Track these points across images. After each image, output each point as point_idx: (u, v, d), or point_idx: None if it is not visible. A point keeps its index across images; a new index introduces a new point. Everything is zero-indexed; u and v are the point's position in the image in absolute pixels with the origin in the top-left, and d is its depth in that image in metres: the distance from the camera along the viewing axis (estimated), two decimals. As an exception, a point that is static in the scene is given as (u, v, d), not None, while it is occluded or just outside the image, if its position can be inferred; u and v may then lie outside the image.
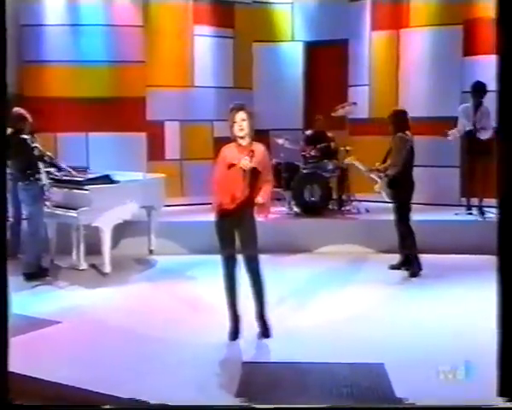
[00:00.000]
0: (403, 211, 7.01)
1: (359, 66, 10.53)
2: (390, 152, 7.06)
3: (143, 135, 9.96)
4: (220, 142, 10.08)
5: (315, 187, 8.99)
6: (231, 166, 4.84)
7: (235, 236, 4.90)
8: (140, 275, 7.38)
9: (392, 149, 6.98)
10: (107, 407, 3.38)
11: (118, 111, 9.65)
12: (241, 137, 4.89)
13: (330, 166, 9.31)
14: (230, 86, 10.47)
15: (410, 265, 7.06)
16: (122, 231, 7.84)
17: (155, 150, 10.02)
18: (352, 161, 7.57)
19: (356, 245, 8.35)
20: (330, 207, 9.23)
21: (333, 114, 9.29)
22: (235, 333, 5.02)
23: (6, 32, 3.15)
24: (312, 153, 9.36)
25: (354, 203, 9.37)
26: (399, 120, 7.03)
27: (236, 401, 3.91)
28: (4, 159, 3.31)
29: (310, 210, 8.96)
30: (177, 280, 7.12)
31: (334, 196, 9.32)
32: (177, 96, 10.07)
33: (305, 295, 6.37)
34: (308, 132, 9.85)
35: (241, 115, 4.89)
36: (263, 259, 5.00)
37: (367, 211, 9.24)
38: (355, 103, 9.48)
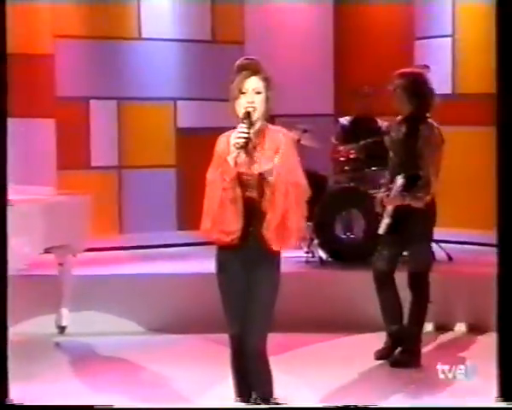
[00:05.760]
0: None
1: (434, 4, 10.84)
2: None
3: (51, 123, 10.11)
4: (188, 136, 10.28)
5: (355, 214, 9.17)
6: (225, 165, 4.98)
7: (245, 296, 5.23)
8: (40, 368, 7.41)
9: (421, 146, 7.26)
10: (105, 406, 4.92)
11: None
12: (249, 120, 4.95)
13: (384, 179, 9.08)
14: (206, 39, 10.85)
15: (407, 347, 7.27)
16: (11, 290, 7.63)
17: (73, 150, 10.12)
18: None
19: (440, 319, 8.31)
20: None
21: (389, 88, 9.16)
22: None
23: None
24: (352, 155, 9.46)
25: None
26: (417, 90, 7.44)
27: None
28: (5, 154, 4.37)
29: (346, 255, 9.12)
30: (105, 370, 7.30)
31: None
32: (112, 56, 10.40)
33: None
34: (344, 120, 10.04)
35: (253, 83, 4.98)
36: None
37: (450, 258, 9.33)
38: (427, 67, 9.27)
